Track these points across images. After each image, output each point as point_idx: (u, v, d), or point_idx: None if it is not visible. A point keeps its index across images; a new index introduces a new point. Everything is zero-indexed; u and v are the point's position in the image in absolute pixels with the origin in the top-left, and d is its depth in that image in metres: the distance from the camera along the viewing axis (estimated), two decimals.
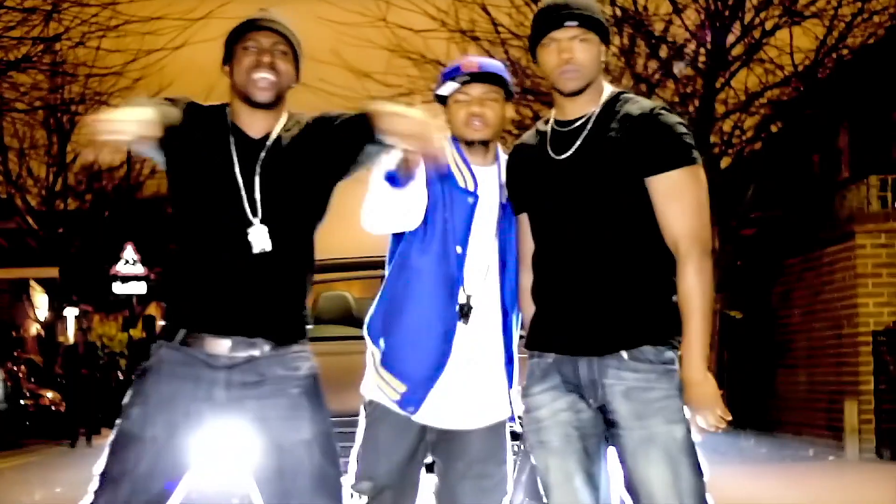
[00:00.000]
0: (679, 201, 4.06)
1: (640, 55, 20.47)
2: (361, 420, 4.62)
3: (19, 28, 21.15)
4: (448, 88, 4.56)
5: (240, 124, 4.25)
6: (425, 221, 4.44)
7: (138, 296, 33.07)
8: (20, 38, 21.21)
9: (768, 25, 19.74)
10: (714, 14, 19.65)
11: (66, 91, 28.09)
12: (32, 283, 35.53)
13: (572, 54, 4.09)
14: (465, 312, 4.50)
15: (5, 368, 23.34)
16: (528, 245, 4.36)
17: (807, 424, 19.38)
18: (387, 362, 4.53)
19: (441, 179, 4.46)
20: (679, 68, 20.23)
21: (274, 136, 4.22)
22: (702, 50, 19.87)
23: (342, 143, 4.18)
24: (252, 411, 4.14)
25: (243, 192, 4.14)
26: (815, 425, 18.96)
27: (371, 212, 4.31)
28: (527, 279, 4.37)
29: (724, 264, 18.84)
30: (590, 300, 4.10)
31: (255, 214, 4.14)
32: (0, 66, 21.59)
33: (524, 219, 4.37)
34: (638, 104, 4.15)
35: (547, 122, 4.29)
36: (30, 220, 33.26)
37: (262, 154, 4.19)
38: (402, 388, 4.49)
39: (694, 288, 4.03)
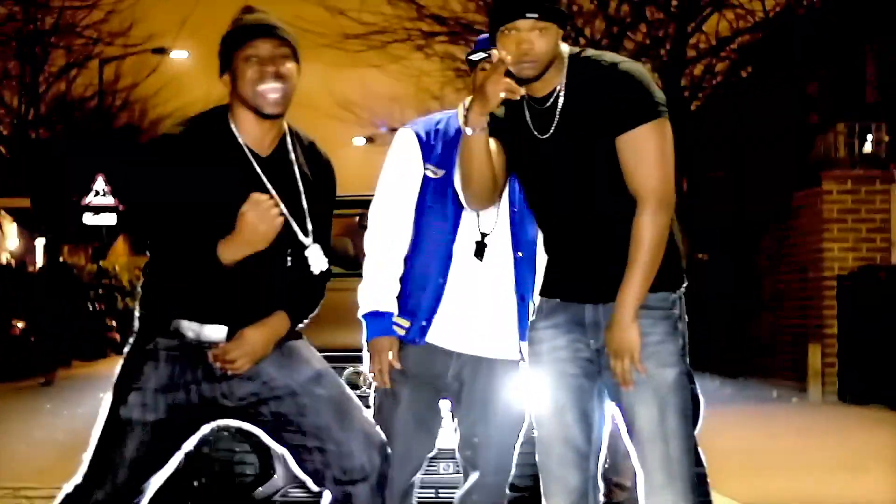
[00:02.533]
0: (641, 155, 4.11)
1: None
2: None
3: None
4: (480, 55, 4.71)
5: (244, 137, 4.26)
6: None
7: (108, 227, 32.83)
8: None
9: None
10: None
11: (40, 23, 27.95)
12: (2, 212, 35.37)
13: (532, 45, 4.09)
14: (479, 250, 4.71)
15: None
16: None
17: (772, 368, 19.60)
18: (399, 306, 4.77)
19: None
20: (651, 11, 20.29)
21: (280, 151, 4.32)
22: None
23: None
24: (250, 372, 4.25)
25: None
26: (780, 369, 19.17)
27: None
28: None
29: (688, 206, 18.97)
30: (589, 257, 4.23)
31: (306, 235, 4.34)
32: None
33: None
34: (598, 64, 4.19)
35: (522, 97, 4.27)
36: (1, 149, 33.05)
37: (270, 170, 4.27)
38: (407, 323, 4.72)
39: (643, 238, 4.09)
